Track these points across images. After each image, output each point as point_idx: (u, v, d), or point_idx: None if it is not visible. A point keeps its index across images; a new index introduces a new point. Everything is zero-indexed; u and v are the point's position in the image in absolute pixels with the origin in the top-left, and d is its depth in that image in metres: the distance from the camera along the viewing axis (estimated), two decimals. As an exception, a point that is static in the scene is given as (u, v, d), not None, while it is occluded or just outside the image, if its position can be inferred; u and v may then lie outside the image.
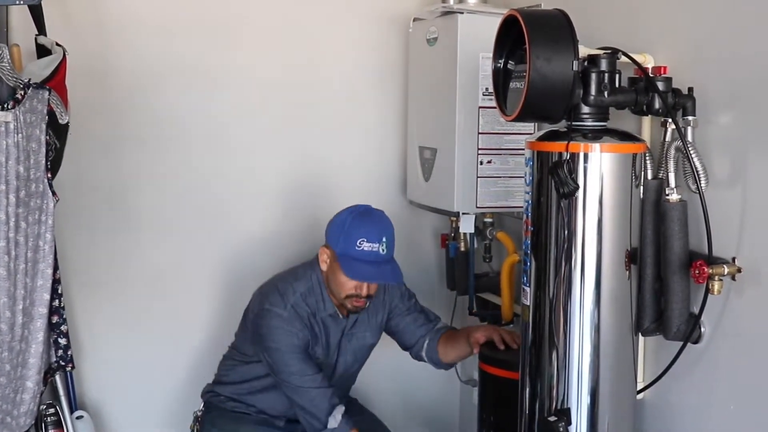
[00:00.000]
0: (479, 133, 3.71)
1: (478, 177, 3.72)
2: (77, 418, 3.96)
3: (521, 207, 2.91)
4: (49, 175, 3.26)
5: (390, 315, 3.76)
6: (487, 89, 3.64)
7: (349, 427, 3.44)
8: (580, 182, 2.64)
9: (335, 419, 3.45)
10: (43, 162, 3.21)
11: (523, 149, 2.91)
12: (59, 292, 3.58)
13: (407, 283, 4.30)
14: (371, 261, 3.45)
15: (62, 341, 3.64)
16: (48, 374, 3.62)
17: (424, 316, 3.79)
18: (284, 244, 4.24)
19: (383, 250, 3.47)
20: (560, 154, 2.65)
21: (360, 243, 3.44)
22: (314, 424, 3.46)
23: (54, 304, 3.53)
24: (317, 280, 3.60)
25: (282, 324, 3.52)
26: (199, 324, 4.21)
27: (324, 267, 3.56)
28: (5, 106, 3.05)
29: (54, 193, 3.27)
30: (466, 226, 3.85)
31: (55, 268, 3.48)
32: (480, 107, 3.69)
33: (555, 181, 2.64)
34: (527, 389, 2.88)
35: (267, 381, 3.65)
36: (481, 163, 3.72)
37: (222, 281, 4.26)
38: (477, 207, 3.74)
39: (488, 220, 3.92)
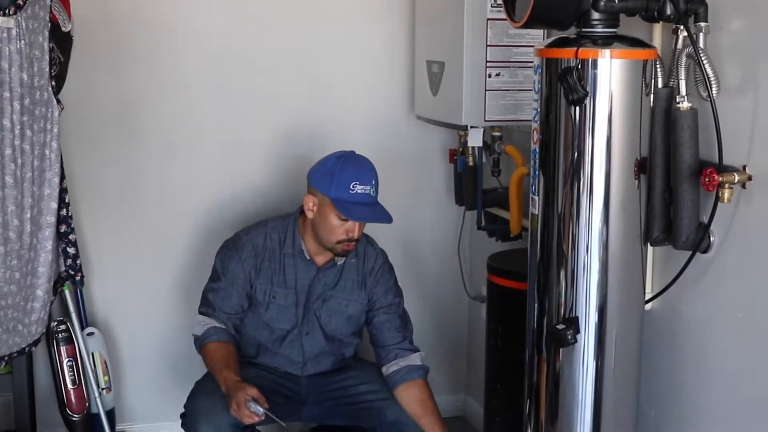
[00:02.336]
0: (488, 46, 3.66)
1: (486, 90, 3.68)
2: (88, 334, 4.00)
3: (530, 120, 2.88)
4: (53, 83, 3.24)
5: (370, 305, 3.77)
6: (495, 0, 3.59)
7: (210, 336, 3.61)
8: (590, 89, 2.61)
9: (200, 326, 3.65)
10: (47, 69, 3.20)
11: (531, 62, 2.88)
12: (66, 201, 3.59)
13: (415, 197, 4.32)
14: (365, 203, 3.51)
15: (71, 250, 3.66)
16: (57, 284, 3.64)
17: (402, 322, 3.77)
18: (289, 160, 4.22)
19: (373, 192, 3.54)
20: (569, 60, 2.62)
21: (353, 186, 3.49)
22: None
23: (62, 213, 3.55)
24: (293, 221, 3.69)
25: (233, 247, 3.70)
26: (205, 240, 4.23)
27: (310, 215, 3.59)
28: (6, 11, 3.03)
29: (59, 102, 3.26)
30: (474, 139, 3.82)
31: (62, 177, 3.48)
32: (488, 19, 3.64)
33: (564, 88, 2.61)
34: (535, 304, 2.88)
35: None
36: (490, 76, 3.68)
37: (228, 197, 4.28)
38: (485, 120, 3.71)
39: (496, 134, 3.90)
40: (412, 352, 3.71)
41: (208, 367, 3.59)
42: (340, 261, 3.69)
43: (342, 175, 3.50)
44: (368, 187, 3.51)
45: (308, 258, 3.66)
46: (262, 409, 3.31)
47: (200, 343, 3.63)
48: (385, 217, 3.54)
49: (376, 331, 3.75)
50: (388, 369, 3.69)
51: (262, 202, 4.24)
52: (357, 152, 3.60)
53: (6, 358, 3.40)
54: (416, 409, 3.61)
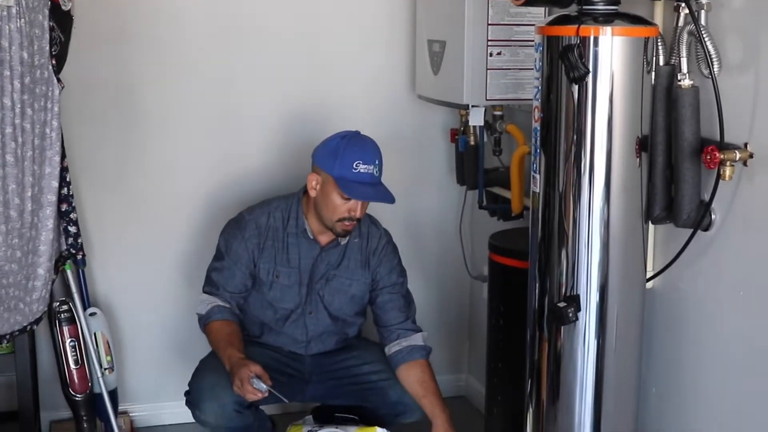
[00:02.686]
0: (489, 25, 3.66)
1: (487, 69, 3.68)
2: (90, 315, 4.00)
3: (531, 99, 2.87)
4: (54, 62, 3.23)
5: (374, 285, 3.79)
6: (496, -21, 3.59)
7: (214, 315, 3.63)
8: (591, 67, 2.60)
9: (204, 305, 3.66)
10: (47, 48, 3.19)
11: (532, 40, 2.87)
12: (67, 180, 3.58)
13: (417, 176, 4.31)
14: (368, 182, 3.52)
15: (72, 229, 3.66)
16: (59, 263, 3.64)
17: (405, 303, 3.79)
18: (291, 140, 4.22)
19: (377, 173, 3.55)
20: (570, 38, 2.61)
21: (356, 165, 3.50)
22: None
23: (63, 192, 3.55)
24: (296, 200, 3.69)
25: (236, 226, 3.71)
26: (207, 219, 4.24)
27: (313, 193, 3.60)
28: (6, -10, 3.03)
29: (59, 81, 3.26)
30: (476, 119, 3.82)
31: (63, 155, 3.48)
32: (490, -3, 3.64)
33: (565, 66, 2.60)
34: (536, 283, 2.87)
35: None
36: (491, 55, 3.67)
37: (230, 178, 4.29)
38: (486, 99, 3.71)
39: (498, 113, 3.89)
40: (414, 332, 3.72)
41: (212, 346, 3.61)
42: (344, 241, 3.70)
43: (346, 155, 3.51)
44: (371, 167, 3.52)
45: (311, 237, 3.67)
46: (265, 386, 3.32)
47: (204, 321, 3.64)
48: (388, 197, 3.55)
49: (380, 311, 3.76)
50: (391, 349, 3.71)
51: (264, 181, 4.23)
52: (360, 132, 3.61)
53: (8, 337, 3.40)
54: (417, 389, 3.62)
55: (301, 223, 3.67)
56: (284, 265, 3.68)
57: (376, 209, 3.75)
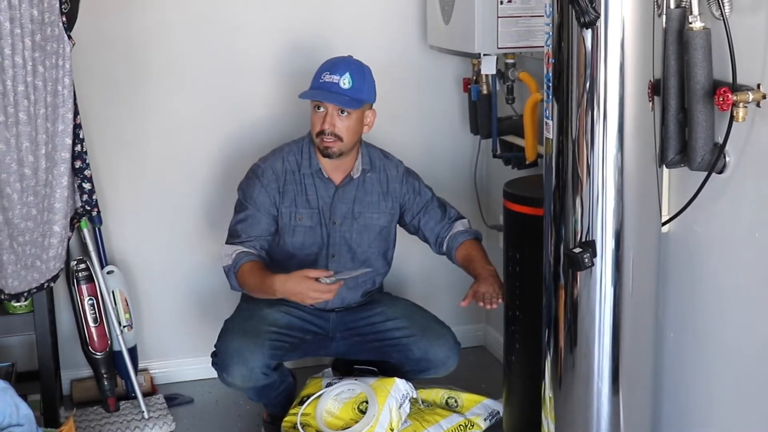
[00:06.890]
0: (499, -28, 3.65)
1: (498, 17, 3.67)
2: (108, 273, 4.02)
3: (543, 46, 2.85)
4: (64, 19, 3.23)
5: (404, 209, 3.82)
6: (506, -75, 3.57)
7: (241, 260, 3.57)
8: (601, 11, 2.58)
9: (228, 257, 3.60)
10: (57, 5, 3.19)
11: (543, -14, 2.85)
12: (81, 137, 3.58)
13: (430, 127, 4.30)
14: (327, 89, 3.55)
15: (86, 186, 3.67)
16: (74, 220, 3.66)
17: (442, 211, 3.84)
18: (302, 89, 4.21)
19: (345, 84, 3.56)
20: (581, -19, 2.59)
21: (323, 75, 3.58)
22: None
23: (76, 149, 3.55)
24: (307, 141, 3.71)
25: (253, 176, 3.70)
26: (220, 175, 4.26)
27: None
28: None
29: (70, 37, 3.26)
30: (488, 67, 3.82)
31: (76, 112, 3.48)
32: (499, -56, 3.62)
33: (575, 11, 2.58)
34: (552, 231, 2.86)
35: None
36: (502, 2, 3.67)
37: (242, 128, 4.31)
38: (498, 48, 3.70)
39: (510, 61, 3.88)
40: (452, 225, 3.82)
41: (251, 286, 3.56)
42: (356, 175, 3.73)
43: (318, 70, 3.61)
44: (337, 77, 3.55)
45: (326, 177, 3.69)
46: (332, 279, 3.35)
47: (234, 270, 3.58)
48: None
49: (425, 229, 3.84)
50: (441, 251, 3.84)
51: (274, 131, 4.25)
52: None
53: (25, 294, 3.44)
54: (464, 264, 3.77)
55: (315, 163, 3.69)
56: (305, 207, 3.69)
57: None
